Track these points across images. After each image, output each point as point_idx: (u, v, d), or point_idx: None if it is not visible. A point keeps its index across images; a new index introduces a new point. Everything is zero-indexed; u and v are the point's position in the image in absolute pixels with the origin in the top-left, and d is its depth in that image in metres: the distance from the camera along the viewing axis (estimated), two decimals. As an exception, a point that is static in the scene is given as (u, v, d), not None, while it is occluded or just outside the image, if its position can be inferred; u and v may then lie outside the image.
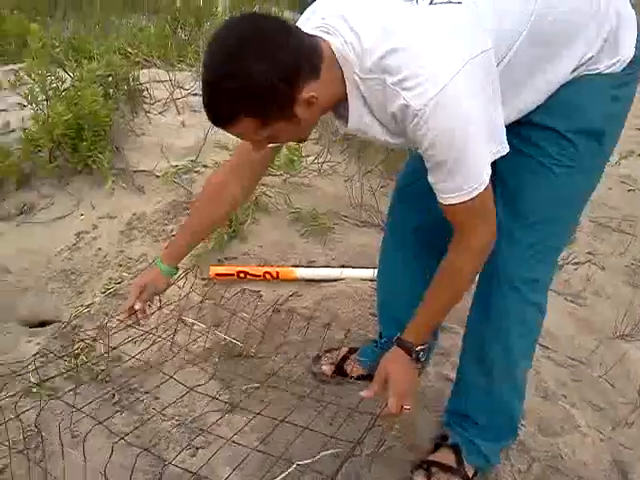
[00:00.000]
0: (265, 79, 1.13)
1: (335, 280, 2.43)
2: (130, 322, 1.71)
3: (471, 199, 1.24)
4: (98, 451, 1.64)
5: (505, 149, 1.26)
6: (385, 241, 1.86)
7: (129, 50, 3.76)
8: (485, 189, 1.24)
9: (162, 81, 3.34)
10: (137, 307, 1.65)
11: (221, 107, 1.18)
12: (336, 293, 2.36)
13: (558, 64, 1.32)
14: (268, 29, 1.17)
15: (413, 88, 1.15)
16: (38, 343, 2.02)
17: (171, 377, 1.85)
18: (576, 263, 2.70)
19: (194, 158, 2.86)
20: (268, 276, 2.39)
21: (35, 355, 1.90)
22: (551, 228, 1.47)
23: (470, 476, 1.66)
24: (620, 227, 3.06)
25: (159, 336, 1.97)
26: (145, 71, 3.44)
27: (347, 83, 1.24)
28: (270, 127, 1.20)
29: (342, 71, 1.23)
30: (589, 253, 2.81)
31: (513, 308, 1.50)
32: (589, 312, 2.48)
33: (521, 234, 1.45)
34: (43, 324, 2.18)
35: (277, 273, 2.39)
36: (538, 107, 1.37)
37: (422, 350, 1.47)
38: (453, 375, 1.99)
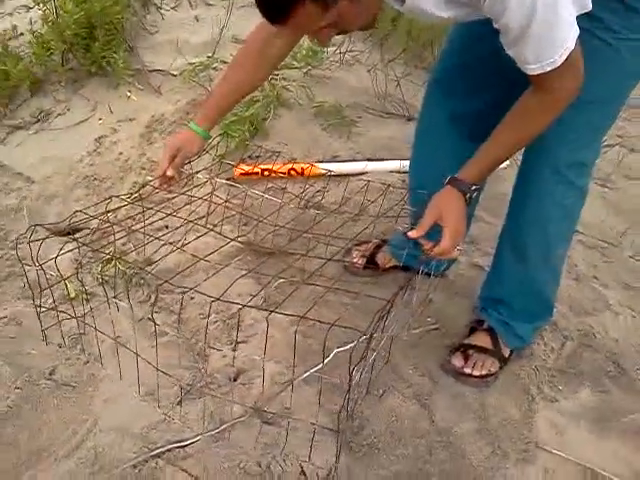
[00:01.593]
0: None
1: (361, 174, 2.39)
2: (165, 188, 1.66)
3: (562, 63, 1.16)
4: (142, 351, 1.66)
5: (590, 4, 1.16)
6: (419, 132, 1.77)
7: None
8: (574, 49, 1.15)
9: (172, -25, 3.18)
10: (169, 173, 1.59)
11: None
12: (363, 186, 2.32)
13: None
14: None
15: None
16: (70, 250, 2.02)
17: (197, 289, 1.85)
18: (606, 146, 2.62)
19: (211, 54, 2.76)
20: (293, 173, 2.35)
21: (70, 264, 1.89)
22: (603, 108, 1.40)
23: (506, 356, 1.69)
24: None
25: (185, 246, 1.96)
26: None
27: None
28: (334, 9, 1.09)
29: None
30: (618, 136, 2.73)
31: (555, 191, 1.46)
32: (619, 195, 2.45)
33: (571, 114, 1.34)
34: (72, 232, 2.17)
35: (302, 169, 2.35)
36: None
37: (477, 190, 1.41)
38: (482, 262, 2.02)
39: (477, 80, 1.35)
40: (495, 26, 1.16)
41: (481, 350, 1.68)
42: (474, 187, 1.40)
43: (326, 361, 1.29)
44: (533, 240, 1.54)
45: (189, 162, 1.71)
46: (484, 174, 1.42)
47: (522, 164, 1.49)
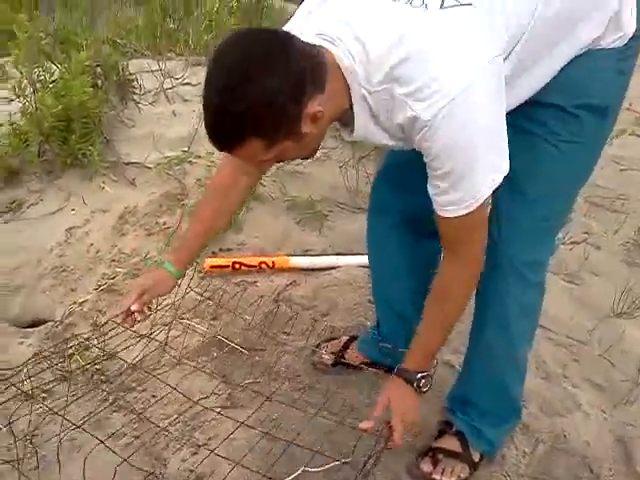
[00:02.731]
0: (272, 98, 1.07)
1: (332, 268, 2.40)
2: (126, 325, 1.64)
3: (470, 212, 1.21)
4: (97, 454, 1.59)
5: (506, 168, 1.22)
6: (371, 227, 1.80)
7: (117, 40, 3.67)
8: (483, 204, 1.22)
9: (152, 71, 3.26)
10: (134, 308, 1.57)
11: (227, 130, 1.11)
12: (334, 281, 2.33)
13: (574, 40, 1.27)
14: (271, 45, 1.10)
15: (424, 99, 1.11)
16: (30, 344, 1.97)
17: (171, 387, 1.80)
18: (572, 243, 2.68)
19: (186, 148, 2.80)
20: (264, 266, 2.35)
21: (28, 360, 1.83)
22: (553, 206, 1.45)
23: (476, 461, 1.65)
24: (613, 206, 3.03)
25: (153, 338, 1.92)
26: (134, 61, 3.36)
27: (352, 94, 1.19)
28: (276, 147, 1.14)
29: (346, 82, 1.18)
30: (584, 233, 2.78)
31: (513, 291, 1.47)
32: (586, 291, 2.46)
33: (522, 214, 1.42)
34: (35, 324, 2.12)
35: (273, 263, 2.35)
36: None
37: (424, 378, 1.45)
38: (454, 361, 1.99)
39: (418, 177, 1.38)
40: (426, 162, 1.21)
41: (450, 454, 1.63)
42: (420, 375, 1.44)
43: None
44: (496, 339, 1.54)
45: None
46: (425, 360, 1.47)
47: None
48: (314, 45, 1.16)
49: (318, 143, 1.27)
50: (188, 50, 3.66)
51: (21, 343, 1.99)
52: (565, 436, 1.79)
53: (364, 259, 2.31)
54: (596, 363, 2.10)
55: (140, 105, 3.02)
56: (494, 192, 1.24)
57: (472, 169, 1.17)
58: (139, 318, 1.60)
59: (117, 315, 1.63)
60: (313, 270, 2.37)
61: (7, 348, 1.97)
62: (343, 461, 1.47)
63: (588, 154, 1.42)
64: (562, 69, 1.30)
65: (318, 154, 2.80)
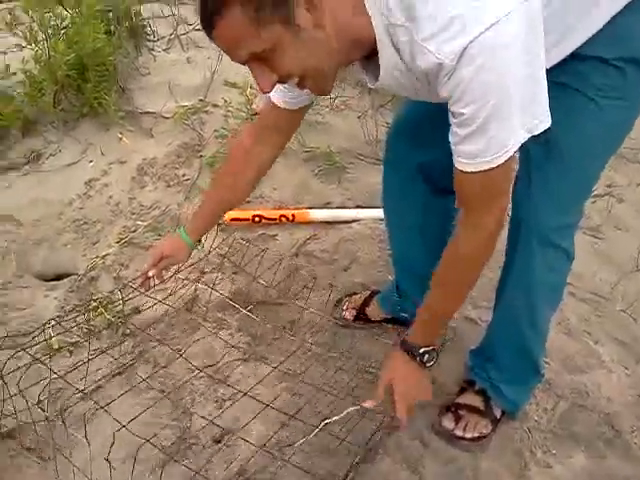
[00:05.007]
0: None
1: (353, 221, 2.38)
2: (143, 290, 1.69)
3: (490, 169, 1.11)
4: (122, 407, 1.62)
5: (543, 125, 1.12)
6: (386, 179, 1.73)
7: (128, -18, 3.57)
8: (507, 160, 1.11)
9: (165, 16, 3.19)
10: (151, 274, 1.62)
11: None
12: (354, 234, 2.32)
13: None
14: None
15: (446, 41, 1.01)
16: (55, 297, 1.99)
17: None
18: (595, 196, 2.63)
19: (202, 97, 2.76)
20: (284, 219, 2.34)
21: (52, 318, 1.86)
22: (588, 167, 1.38)
23: (498, 417, 1.66)
24: (637, 157, 2.94)
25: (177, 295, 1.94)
26: (147, 5, 3.27)
27: (376, 27, 1.08)
28: (264, 30, 1.02)
29: (368, 11, 1.07)
30: (607, 186, 2.73)
31: (543, 257, 1.42)
32: (609, 246, 2.43)
33: (556, 174, 1.34)
34: (59, 277, 2.14)
35: (293, 216, 2.34)
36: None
37: (428, 353, 1.40)
38: (475, 315, 1.99)
39: (436, 130, 1.30)
40: (450, 109, 1.11)
41: (472, 410, 1.65)
42: (423, 349, 1.39)
43: (315, 432, 1.26)
44: (517, 303, 1.51)
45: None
46: (432, 334, 1.41)
47: (509, 231, 1.46)
48: None
49: (326, 63, 1.12)
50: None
51: (46, 296, 2.01)
52: (587, 393, 1.80)
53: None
54: (619, 319, 2.09)
55: (154, 52, 2.97)
56: (523, 148, 1.14)
57: (497, 117, 1.06)
58: (157, 282, 1.65)
59: (135, 279, 1.68)
60: (333, 223, 2.36)
61: (33, 301, 1.99)
62: (361, 405, 1.43)
63: (629, 113, 1.33)
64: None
65: (337, 102, 2.79)
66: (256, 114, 2.69)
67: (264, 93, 1.18)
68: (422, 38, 1.03)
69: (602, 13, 1.20)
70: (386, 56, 1.12)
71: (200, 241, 1.69)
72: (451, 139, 1.14)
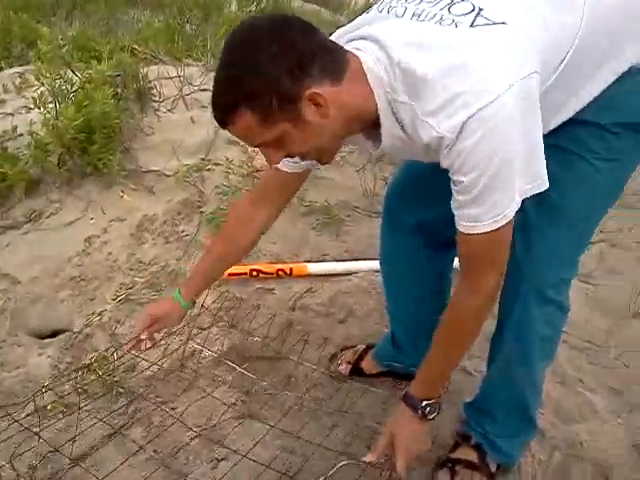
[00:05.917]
0: (266, 66, 1.05)
1: (349, 274, 2.37)
2: (135, 352, 1.68)
3: (491, 231, 1.16)
4: (115, 467, 1.58)
5: (541, 187, 1.17)
6: (383, 237, 1.77)
7: (136, 47, 3.68)
8: (507, 224, 1.16)
9: (170, 77, 3.26)
10: (143, 337, 1.62)
11: (221, 97, 1.11)
12: (351, 287, 2.32)
13: (619, 60, 1.23)
14: (286, 23, 1.10)
15: (448, 117, 1.06)
16: (49, 356, 1.97)
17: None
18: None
19: (204, 155, 2.79)
20: (281, 273, 2.34)
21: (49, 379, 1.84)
22: (587, 225, 1.41)
23: (493, 471, 1.63)
24: (628, 202, 2.89)
25: (170, 351, 1.92)
26: (153, 67, 3.37)
27: (378, 99, 1.14)
28: (274, 128, 1.11)
29: (372, 89, 1.14)
30: (600, 231, 2.70)
31: (539, 312, 1.42)
32: (602, 292, 2.41)
33: (555, 233, 1.36)
34: (54, 334, 2.12)
35: (290, 270, 2.34)
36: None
37: (430, 405, 1.38)
38: (469, 367, 1.96)
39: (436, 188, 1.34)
40: (451, 177, 1.16)
41: (468, 465, 1.61)
42: (426, 403, 1.37)
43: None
44: (514, 357, 1.50)
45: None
46: (433, 387, 1.40)
47: (506, 285, 1.43)
48: (341, 46, 1.15)
49: (330, 142, 1.21)
50: (206, 55, 3.66)
51: (40, 354, 1.99)
52: (581, 443, 1.76)
53: (380, 264, 2.29)
54: (612, 367, 2.06)
55: (159, 113, 3.02)
56: (522, 210, 1.18)
57: (497, 185, 1.11)
58: (149, 345, 1.65)
59: (127, 342, 1.67)
60: (330, 276, 2.35)
61: (26, 359, 1.97)
62: (361, 459, 1.42)
63: (625, 171, 1.37)
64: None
65: (336, 157, 2.81)
66: (257, 171, 2.72)
67: (272, 166, 1.30)
68: (424, 113, 1.09)
69: (603, 78, 1.24)
70: (388, 128, 1.19)
71: (195, 302, 1.68)
72: (452, 204, 1.18)
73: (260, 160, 2.75)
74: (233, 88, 1.09)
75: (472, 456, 1.62)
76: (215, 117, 1.14)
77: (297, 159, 1.27)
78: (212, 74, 3.34)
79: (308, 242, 2.51)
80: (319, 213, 2.59)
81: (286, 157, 1.22)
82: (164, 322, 1.65)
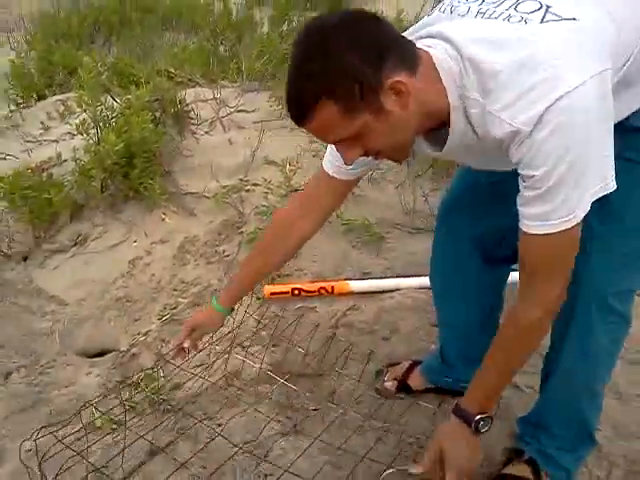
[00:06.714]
0: (346, 57, 1.05)
1: (392, 290, 2.37)
2: (179, 360, 1.72)
3: (557, 232, 1.11)
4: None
5: (610, 186, 1.12)
6: (437, 253, 1.75)
7: (172, 71, 3.76)
8: (574, 226, 1.12)
9: (206, 100, 3.33)
10: (185, 345, 1.64)
11: (301, 92, 1.10)
12: (394, 304, 2.31)
13: None
14: (357, 16, 1.10)
15: (521, 111, 1.05)
16: (98, 375, 2.02)
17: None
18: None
19: (243, 176, 2.84)
20: (323, 291, 2.34)
21: (89, 401, 1.87)
22: None
23: None
24: None
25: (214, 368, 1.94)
26: (190, 91, 3.44)
27: (450, 99, 1.13)
28: (356, 119, 1.09)
29: (444, 85, 1.13)
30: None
31: (601, 324, 1.38)
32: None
33: (617, 242, 1.32)
34: (102, 353, 2.17)
35: (332, 288, 2.34)
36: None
37: (483, 419, 1.34)
38: (520, 382, 1.92)
39: (494, 202, 1.33)
40: (520, 173, 1.13)
41: None
42: (479, 416, 1.33)
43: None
44: (576, 370, 1.46)
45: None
46: (487, 401, 1.36)
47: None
48: (412, 41, 1.15)
49: (407, 137, 1.19)
50: (241, 77, 3.72)
51: (88, 374, 2.04)
52: (642, 460, 1.71)
53: (424, 281, 2.29)
54: (670, 381, 2.00)
55: (197, 135, 3.08)
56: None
57: (568, 182, 1.07)
58: (192, 353, 1.68)
59: (170, 351, 1.70)
60: (373, 293, 2.35)
61: (76, 379, 2.02)
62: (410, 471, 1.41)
63: None
64: None
65: (375, 175, 2.83)
66: (295, 190, 2.75)
67: (347, 165, 1.26)
68: (495, 108, 1.08)
69: None
70: (458, 125, 1.16)
71: (233, 309, 1.70)
72: (518, 201, 1.15)
73: (297, 179, 2.79)
74: (314, 81, 1.07)
75: (526, 472, 1.58)
76: (293, 115, 1.13)
77: (361, 161, 1.26)
78: (247, 95, 3.43)
79: (349, 260, 2.51)
80: (359, 231, 2.61)
81: (362, 155, 1.19)
82: (203, 328, 1.67)
